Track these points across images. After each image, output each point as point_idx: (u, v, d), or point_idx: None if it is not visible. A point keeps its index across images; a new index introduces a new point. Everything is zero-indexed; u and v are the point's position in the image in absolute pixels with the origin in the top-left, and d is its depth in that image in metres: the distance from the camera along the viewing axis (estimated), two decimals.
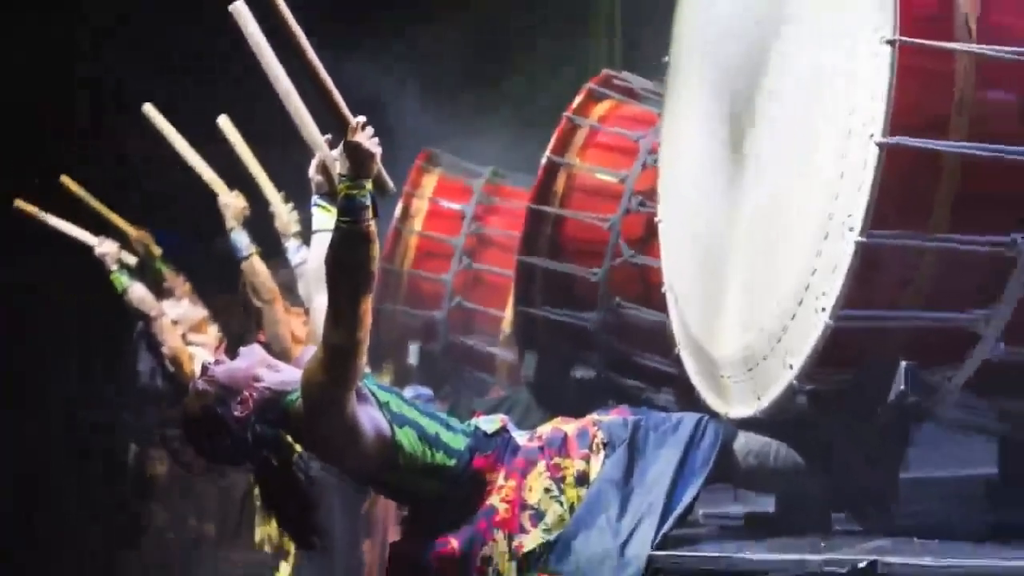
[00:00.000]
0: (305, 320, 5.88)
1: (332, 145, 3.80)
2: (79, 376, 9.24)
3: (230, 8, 3.76)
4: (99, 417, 9.06)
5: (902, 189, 3.59)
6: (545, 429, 4.04)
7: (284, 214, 6.22)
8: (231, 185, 6.26)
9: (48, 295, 8.93)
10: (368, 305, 3.60)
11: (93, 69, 9.17)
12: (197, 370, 4.03)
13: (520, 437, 4.00)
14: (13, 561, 8.92)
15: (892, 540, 3.73)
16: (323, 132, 3.84)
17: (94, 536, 8.95)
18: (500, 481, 3.89)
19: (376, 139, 3.60)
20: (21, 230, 7.44)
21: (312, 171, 3.97)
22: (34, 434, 9.10)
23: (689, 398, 4.70)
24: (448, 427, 3.90)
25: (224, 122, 6.25)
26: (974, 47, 3.61)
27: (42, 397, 9.17)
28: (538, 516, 3.83)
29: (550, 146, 5.73)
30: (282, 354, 5.63)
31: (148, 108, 6.30)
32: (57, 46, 9.11)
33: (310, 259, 4.09)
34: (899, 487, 3.96)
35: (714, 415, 4.19)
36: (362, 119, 3.59)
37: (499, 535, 3.82)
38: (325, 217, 3.95)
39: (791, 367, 3.84)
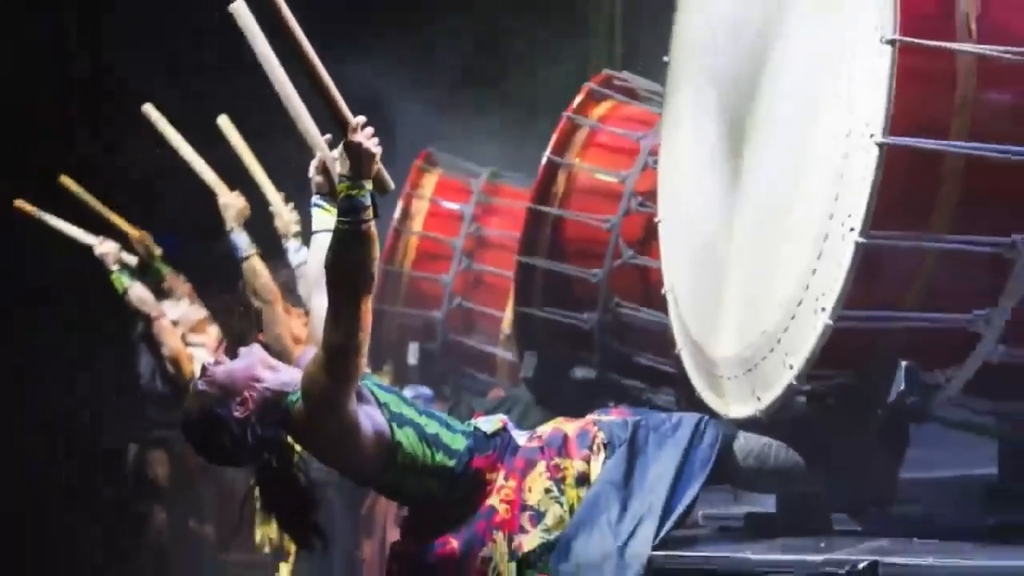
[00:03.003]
0: (305, 321, 5.87)
1: (332, 145, 3.80)
2: (79, 376, 9.23)
3: (230, 8, 3.76)
4: (99, 417, 9.05)
5: (902, 189, 3.59)
6: (545, 429, 4.03)
7: (284, 214, 6.21)
8: (231, 185, 6.25)
9: (48, 295, 8.92)
10: (368, 306, 3.60)
11: (92, 69, 9.16)
12: (197, 371, 4.02)
13: (520, 437, 3.99)
14: (13, 561, 8.91)
15: (892, 540, 3.73)
16: (323, 132, 3.84)
17: (94, 536, 8.94)
18: (500, 481, 3.88)
19: (376, 139, 3.60)
20: (21, 230, 7.45)
21: (312, 171, 3.96)
22: (34, 434, 9.09)
23: (689, 398, 4.69)
24: (448, 427, 3.89)
25: (224, 122, 6.24)
26: (975, 47, 3.61)
27: (41, 399, 9.15)
28: (538, 517, 3.83)
29: (550, 146, 5.72)
30: (282, 355, 5.62)
31: (148, 108, 6.29)
32: (57, 46, 9.11)
33: (310, 260, 4.08)
34: (899, 487, 3.97)
35: (714, 415, 4.19)
36: (362, 119, 3.59)
37: (499, 536, 3.82)
38: (325, 217, 3.94)
39: (791, 367, 3.83)
